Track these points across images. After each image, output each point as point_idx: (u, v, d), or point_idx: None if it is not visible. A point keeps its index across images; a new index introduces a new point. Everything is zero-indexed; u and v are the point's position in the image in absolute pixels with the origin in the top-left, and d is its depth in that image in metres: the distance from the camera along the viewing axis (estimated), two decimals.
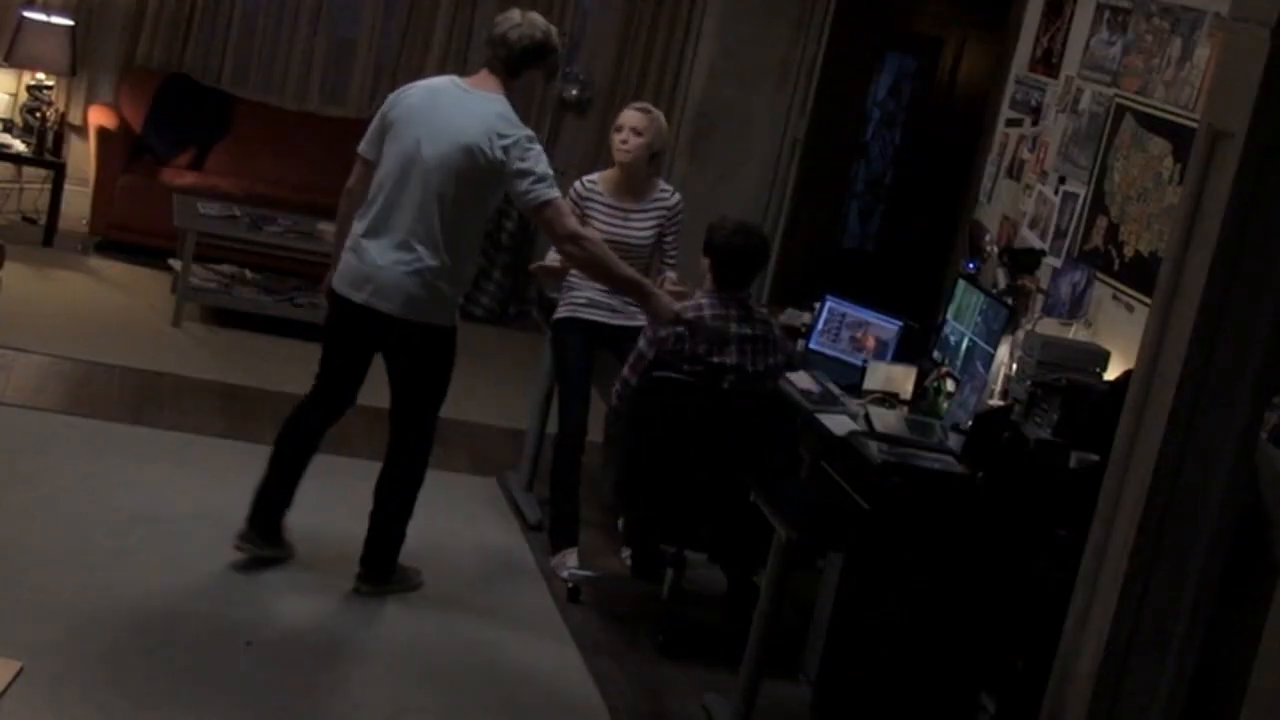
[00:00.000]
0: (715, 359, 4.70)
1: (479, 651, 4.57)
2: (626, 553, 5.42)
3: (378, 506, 4.73)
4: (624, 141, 5.34)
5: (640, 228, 5.41)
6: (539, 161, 4.45)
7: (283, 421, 4.77)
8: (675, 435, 4.72)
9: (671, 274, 5.47)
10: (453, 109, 4.47)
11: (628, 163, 5.35)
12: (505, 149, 4.40)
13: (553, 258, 5.49)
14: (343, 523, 4.98)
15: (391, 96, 4.62)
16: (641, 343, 4.80)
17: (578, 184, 5.46)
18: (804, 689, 4.64)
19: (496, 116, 4.45)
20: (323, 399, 4.74)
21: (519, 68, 4.54)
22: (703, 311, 4.74)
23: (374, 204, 4.51)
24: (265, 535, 4.76)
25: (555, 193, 4.47)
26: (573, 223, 4.55)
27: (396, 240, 4.46)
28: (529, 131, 4.49)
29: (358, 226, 4.55)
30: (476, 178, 4.43)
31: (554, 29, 4.63)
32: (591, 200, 5.40)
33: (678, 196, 5.51)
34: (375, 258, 4.47)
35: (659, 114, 5.44)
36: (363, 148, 4.61)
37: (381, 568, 4.75)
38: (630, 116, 5.38)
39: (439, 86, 4.59)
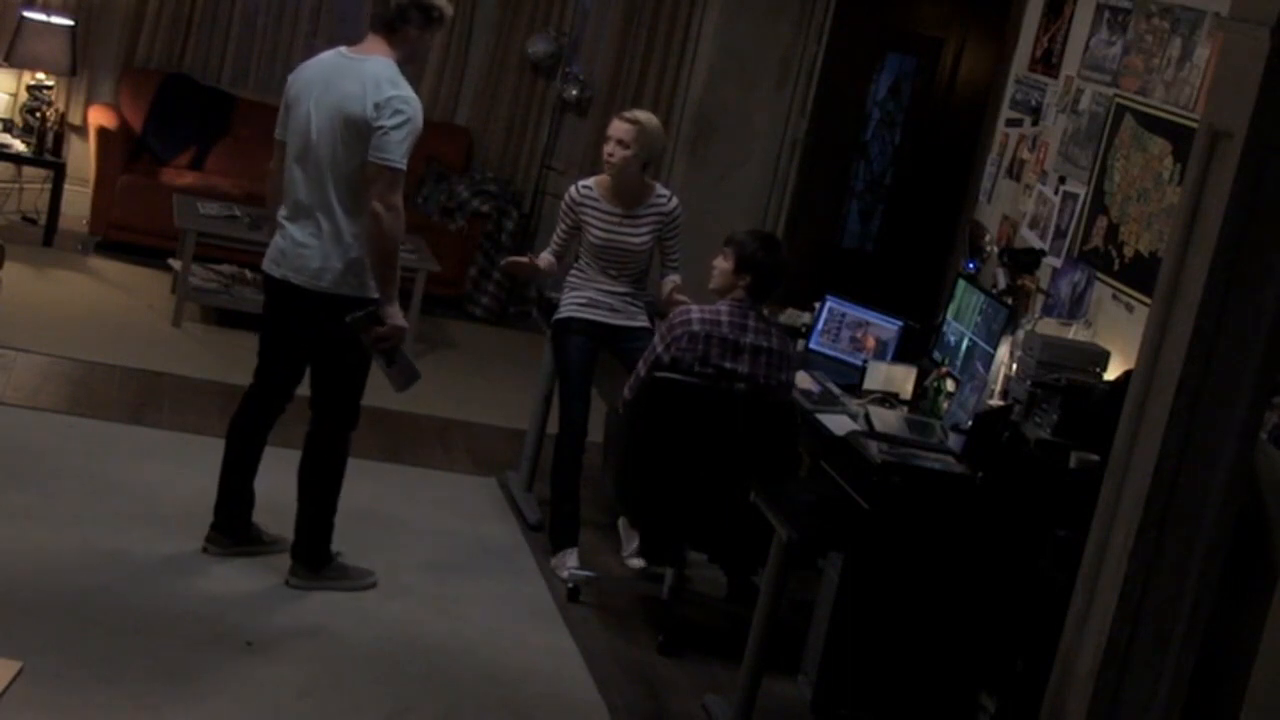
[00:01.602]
0: (728, 365, 4.69)
1: (479, 651, 4.57)
2: (627, 551, 5.42)
3: (300, 496, 4.72)
4: (610, 155, 5.33)
5: (637, 233, 5.41)
6: (404, 127, 4.40)
7: (231, 416, 4.83)
8: (678, 436, 4.72)
9: (675, 277, 5.46)
10: (337, 77, 4.49)
11: (615, 175, 5.36)
12: (377, 105, 4.39)
13: (547, 259, 5.49)
14: (341, 523, 4.98)
15: (290, 76, 4.67)
16: (656, 338, 4.80)
17: (572, 190, 5.44)
18: (804, 689, 4.64)
19: (375, 77, 4.43)
20: (259, 388, 4.79)
21: (396, 24, 4.52)
22: (720, 318, 4.73)
23: (286, 183, 4.58)
24: (230, 535, 4.79)
25: (402, 164, 4.41)
26: (398, 199, 4.44)
27: (305, 214, 4.52)
28: (407, 94, 4.44)
29: (280, 209, 4.63)
30: (360, 140, 4.41)
31: None
32: (586, 206, 5.39)
33: (675, 201, 5.49)
34: (293, 233, 4.55)
35: (649, 122, 5.38)
36: (277, 131, 4.66)
37: (308, 559, 4.72)
38: (616, 128, 5.34)
39: (325, 59, 4.61)
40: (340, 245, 4.48)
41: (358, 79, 4.44)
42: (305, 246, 4.51)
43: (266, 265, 4.64)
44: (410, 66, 4.62)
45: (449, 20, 4.67)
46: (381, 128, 4.37)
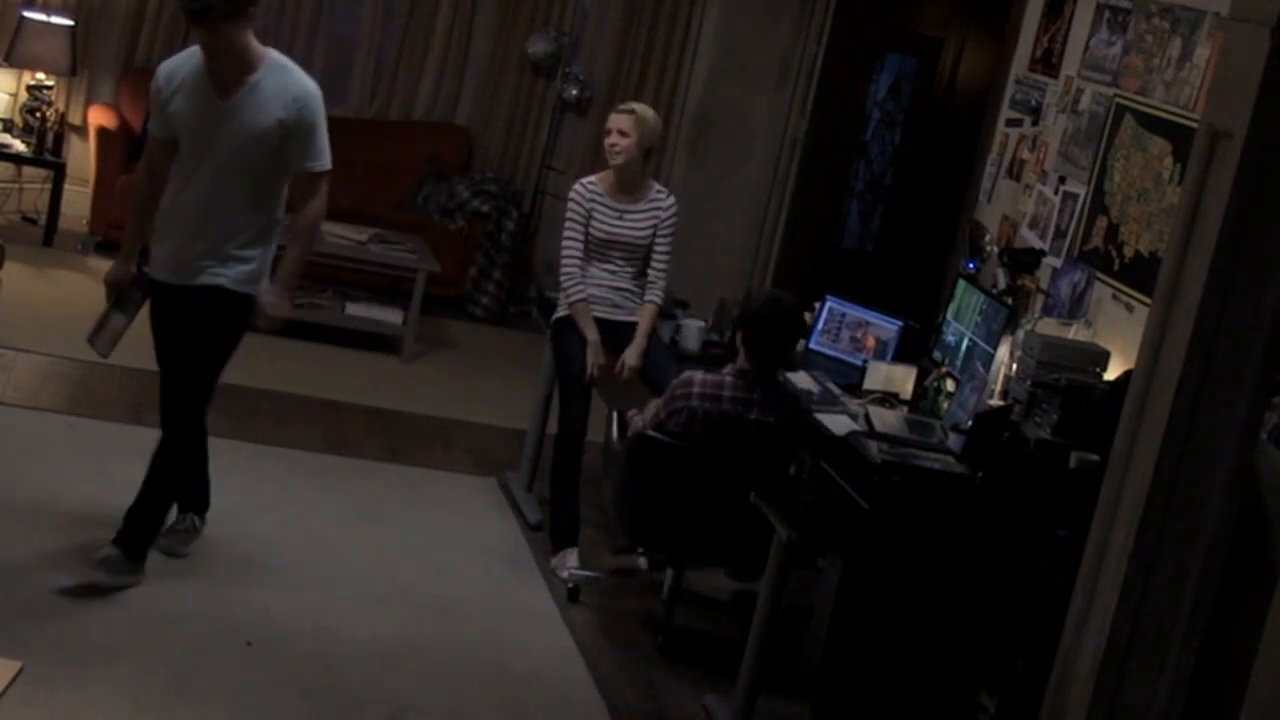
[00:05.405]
0: (721, 440, 4.57)
1: (479, 651, 4.57)
2: (638, 549, 5.39)
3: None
4: (614, 145, 5.35)
5: (637, 226, 5.42)
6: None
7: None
8: (671, 479, 4.67)
9: (655, 297, 5.42)
10: None
11: (621, 164, 5.37)
12: None
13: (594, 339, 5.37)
14: (342, 522, 4.99)
15: None
16: (662, 399, 4.72)
17: (579, 187, 5.43)
18: (804, 689, 4.64)
19: None
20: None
21: None
22: (723, 392, 4.62)
23: None
24: None
25: (151, 127, 4.58)
26: (146, 153, 4.63)
27: None
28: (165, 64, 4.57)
29: None
30: None
31: None
32: (595, 202, 5.39)
33: (672, 199, 5.52)
34: None
35: (645, 111, 5.43)
36: None
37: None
38: (616, 119, 5.38)
39: None
40: None
41: None
42: None
43: None
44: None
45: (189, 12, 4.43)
46: None
